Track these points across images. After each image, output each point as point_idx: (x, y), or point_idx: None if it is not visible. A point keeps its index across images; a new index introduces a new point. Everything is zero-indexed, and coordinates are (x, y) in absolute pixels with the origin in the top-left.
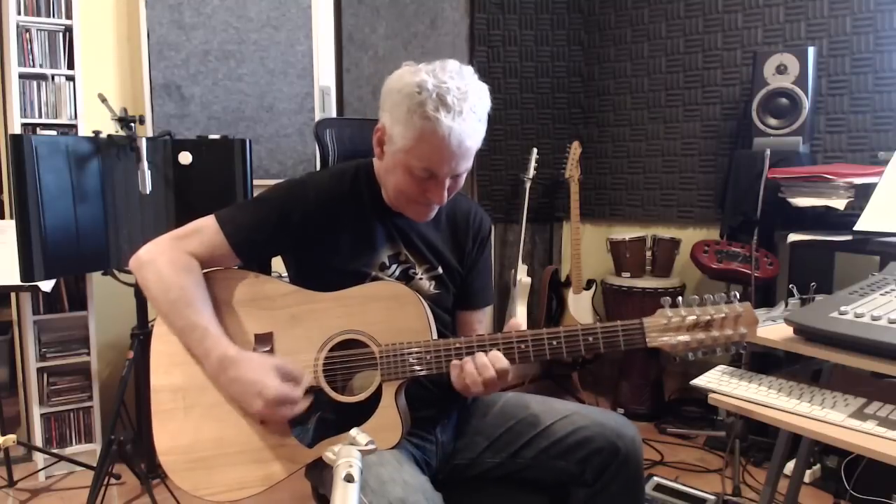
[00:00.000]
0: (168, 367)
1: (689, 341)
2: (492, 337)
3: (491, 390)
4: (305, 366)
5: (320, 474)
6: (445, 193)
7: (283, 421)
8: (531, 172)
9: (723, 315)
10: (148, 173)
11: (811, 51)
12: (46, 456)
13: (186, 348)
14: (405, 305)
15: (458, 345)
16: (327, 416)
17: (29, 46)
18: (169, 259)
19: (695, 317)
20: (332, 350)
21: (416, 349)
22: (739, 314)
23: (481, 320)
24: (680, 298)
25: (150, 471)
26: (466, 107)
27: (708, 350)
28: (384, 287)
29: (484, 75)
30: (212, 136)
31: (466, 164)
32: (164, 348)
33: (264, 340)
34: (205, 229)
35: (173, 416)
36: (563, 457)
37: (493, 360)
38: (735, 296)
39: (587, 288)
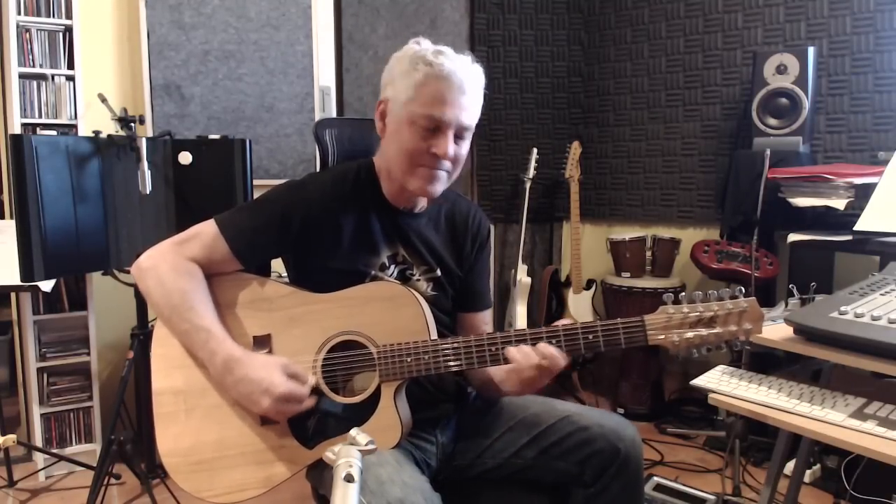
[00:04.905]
0: (168, 370)
1: (691, 338)
2: (490, 336)
3: (540, 384)
4: (304, 367)
5: (320, 475)
6: (451, 146)
7: (289, 416)
8: (531, 172)
9: (727, 311)
10: (148, 173)
11: (811, 51)
12: (46, 456)
13: (190, 352)
14: (403, 306)
15: (455, 345)
16: (327, 417)
17: (29, 46)
18: (170, 264)
19: (697, 313)
20: (330, 351)
21: (413, 350)
22: (744, 309)
23: (487, 321)
24: (682, 295)
25: (150, 471)
26: (465, 59)
27: (711, 347)
28: (382, 287)
29: (484, 75)
30: (212, 136)
31: (469, 118)
32: (164, 351)
33: (263, 342)
34: (205, 234)
35: (175, 418)
36: (562, 457)
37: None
38: (740, 290)
39: (587, 288)
